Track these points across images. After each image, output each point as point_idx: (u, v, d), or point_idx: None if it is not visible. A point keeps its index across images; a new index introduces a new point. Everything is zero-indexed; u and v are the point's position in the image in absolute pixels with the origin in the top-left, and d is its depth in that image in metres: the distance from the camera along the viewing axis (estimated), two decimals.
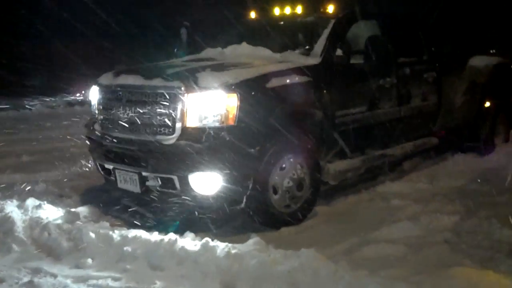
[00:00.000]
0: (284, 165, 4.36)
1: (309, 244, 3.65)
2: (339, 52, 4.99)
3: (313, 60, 4.81)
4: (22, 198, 5.03)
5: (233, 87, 4.12)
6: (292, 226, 4.35)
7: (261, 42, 5.31)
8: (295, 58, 4.87)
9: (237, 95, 4.10)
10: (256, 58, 4.90)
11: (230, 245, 3.63)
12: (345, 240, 4.01)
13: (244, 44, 5.34)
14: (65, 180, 5.93)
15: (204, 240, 3.71)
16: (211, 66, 4.59)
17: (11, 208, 4.68)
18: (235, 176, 4.07)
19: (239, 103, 4.09)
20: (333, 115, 4.76)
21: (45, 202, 4.91)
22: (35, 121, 10.86)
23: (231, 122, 4.08)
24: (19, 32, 12.51)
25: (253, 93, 4.20)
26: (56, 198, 5.25)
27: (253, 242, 3.76)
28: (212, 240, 3.80)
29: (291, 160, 4.40)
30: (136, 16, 13.64)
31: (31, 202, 4.85)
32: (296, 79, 4.50)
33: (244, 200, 4.17)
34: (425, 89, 5.95)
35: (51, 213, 4.66)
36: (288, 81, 4.43)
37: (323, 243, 3.91)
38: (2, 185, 5.65)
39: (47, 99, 12.10)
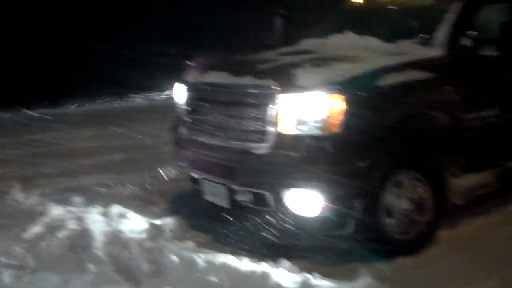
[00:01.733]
0: (400, 182, 3.62)
1: (437, 283, 2.99)
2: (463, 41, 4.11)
3: (435, 51, 3.99)
4: (107, 203, 4.77)
5: (338, 86, 3.45)
6: (409, 256, 3.61)
7: (368, 31, 4.54)
8: (412, 49, 4.07)
9: (343, 96, 3.41)
10: (364, 49, 4.16)
11: (336, 286, 2.98)
12: (484, 278, 3.22)
13: (348, 33, 4.61)
14: (154, 183, 5.61)
15: (303, 277, 3.09)
16: (310, 60, 3.96)
17: (94, 217, 4.43)
18: (340, 195, 3.41)
19: (345, 106, 3.41)
20: (460, 119, 3.93)
21: (131, 210, 4.62)
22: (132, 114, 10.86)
23: (335, 129, 3.41)
24: (126, 36, 12.75)
25: (362, 93, 3.49)
26: (143, 205, 4.94)
27: (363, 283, 3.07)
28: (311, 273, 3.20)
29: (409, 175, 3.66)
30: (226, 4, 13.25)
31: (115, 209, 4.62)
32: (415, 75, 3.74)
33: (351, 224, 3.48)
34: None
35: (134, 224, 4.33)
36: (405, 78, 3.68)
37: (456, 281, 3.16)
38: (90, 187, 5.44)
39: (149, 94, 12.11)
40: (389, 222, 3.59)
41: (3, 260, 3.76)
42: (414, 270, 3.46)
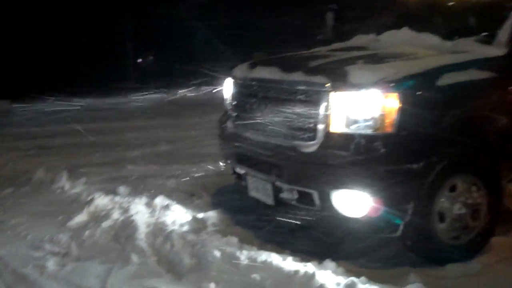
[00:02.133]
0: (455, 186, 3.43)
1: None
2: None
3: (497, 50, 3.75)
4: (152, 195, 4.77)
5: (392, 84, 3.29)
6: (461, 263, 3.41)
7: (426, 27, 4.34)
8: (473, 47, 3.84)
9: (398, 94, 3.26)
10: (421, 47, 3.96)
11: None
12: None
13: (404, 29, 4.41)
14: (199, 176, 5.58)
15: (349, 280, 2.97)
16: (364, 57, 3.80)
17: (138, 207, 4.43)
18: (391, 198, 3.26)
19: (400, 105, 3.25)
20: None
21: (174, 202, 4.61)
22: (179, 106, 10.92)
23: (388, 129, 3.25)
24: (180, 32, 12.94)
25: (419, 92, 3.32)
26: (186, 198, 4.91)
27: None
28: (357, 276, 3.07)
29: (465, 179, 3.46)
30: (278, 1, 13.13)
31: (159, 201, 4.61)
32: (476, 75, 3.53)
33: (401, 227, 3.32)
34: None
35: (177, 217, 4.30)
36: (465, 77, 3.47)
37: None
38: (135, 177, 5.46)
39: (197, 88, 12.18)
40: (441, 226, 3.40)
41: (48, 247, 3.81)
42: (467, 278, 3.25)
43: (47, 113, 10.04)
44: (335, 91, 3.40)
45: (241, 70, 4.28)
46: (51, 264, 3.53)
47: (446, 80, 3.38)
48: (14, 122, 9.46)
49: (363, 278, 3.04)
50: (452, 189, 3.43)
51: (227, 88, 4.41)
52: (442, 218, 3.41)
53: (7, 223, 4.25)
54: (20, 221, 4.27)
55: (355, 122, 3.33)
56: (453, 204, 3.41)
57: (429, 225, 3.36)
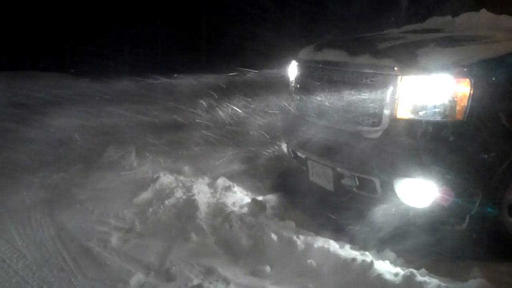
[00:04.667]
0: None
1: None
2: None
3: None
4: (214, 175, 4.83)
5: (465, 69, 3.10)
6: None
7: (507, 9, 4.04)
8: None
9: (470, 80, 3.07)
10: (499, 30, 3.70)
11: (443, 285, 2.71)
12: None
13: (483, 11, 4.14)
14: (261, 158, 5.57)
15: (407, 271, 2.85)
16: (436, 40, 3.59)
17: (200, 187, 4.51)
18: (458, 188, 3.09)
19: (472, 91, 3.06)
20: None
21: (235, 183, 4.65)
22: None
23: (458, 116, 3.08)
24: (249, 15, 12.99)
25: (493, 78, 3.11)
26: (248, 179, 4.93)
27: (476, 285, 2.77)
28: (417, 268, 2.95)
29: None
30: None
31: (221, 182, 4.67)
32: None
33: (467, 219, 3.15)
34: None
35: (238, 198, 4.36)
36: None
37: None
38: (199, 158, 5.54)
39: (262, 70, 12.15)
40: (510, 220, 3.21)
41: (113, 222, 3.95)
42: None
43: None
44: (403, 75, 3.25)
45: (307, 52, 4.20)
46: (114, 239, 3.66)
47: None
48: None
49: (422, 270, 2.93)
50: None
51: (292, 71, 4.35)
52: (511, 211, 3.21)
53: (76, 198, 4.45)
54: (88, 196, 4.46)
55: (423, 108, 3.18)
56: None
57: (499, 218, 3.17)
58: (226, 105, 8.49)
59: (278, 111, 4.69)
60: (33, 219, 4.08)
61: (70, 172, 5.20)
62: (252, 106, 8.47)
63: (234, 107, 8.37)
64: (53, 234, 3.79)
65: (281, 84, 5.56)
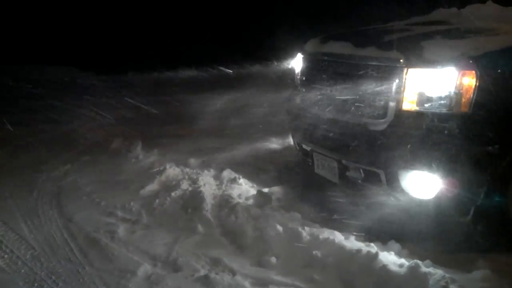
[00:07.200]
0: None
1: None
2: None
3: None
4: (220, 167, 4.85)
5: (471, 61, 3.09)
6: None
7: None
8: None
9: (476, 72, 3.07)
10: (507, 22, 3.69)
11: (448, 276, 2.73)
12: None
13: (489, 2, 4.14)
14: (266, 150, 5.61)
15: (412, 263, 2.87)
16: (442, 32, 3.60)
17: (206, 179, 4.54)
18: (463, 180, 3.10)
19: (478, 84, 3.06)
20: None
21: (241, 175, 4.66)
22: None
23: (464, 109, 3.08)
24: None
25: (498, 71, 3.11)
26: (253, 171, 4.94)
27: (480, 276, 2.78)
28: (422, 259, 2.96)
29: None
30: None
31: (227, 174, 4.69)
32: None
33: (472, 211, 3.17)
34: None
35: (243, 190, 4.37)
36: None
37: None
38: (205, 150, 5.57)
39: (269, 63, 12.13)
40: None
41: (120, 213, 3.98)
42: None
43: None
44: (409, 68, 3.25)
45: (312, 44, 4.20)
46: (121, 230, 3.70)
47: None
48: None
49: (427, 262, 2.94)
50: None
51: (297, 63, 4.36)
52: None
53: (83, 190, 4.49)
54: (95, 188, 4.51)
55: (429, 100, 3.18)
56: None
57: (504, 210, 3.17)
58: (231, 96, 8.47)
59: (283, 104, 4.68)
60: (41, 210, 4.12)
61: (77, 163, 5.24)
62: (258, 98, 8.46)
63: (240, 99, 8.34)
64: (61, 225, 3.83)
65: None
